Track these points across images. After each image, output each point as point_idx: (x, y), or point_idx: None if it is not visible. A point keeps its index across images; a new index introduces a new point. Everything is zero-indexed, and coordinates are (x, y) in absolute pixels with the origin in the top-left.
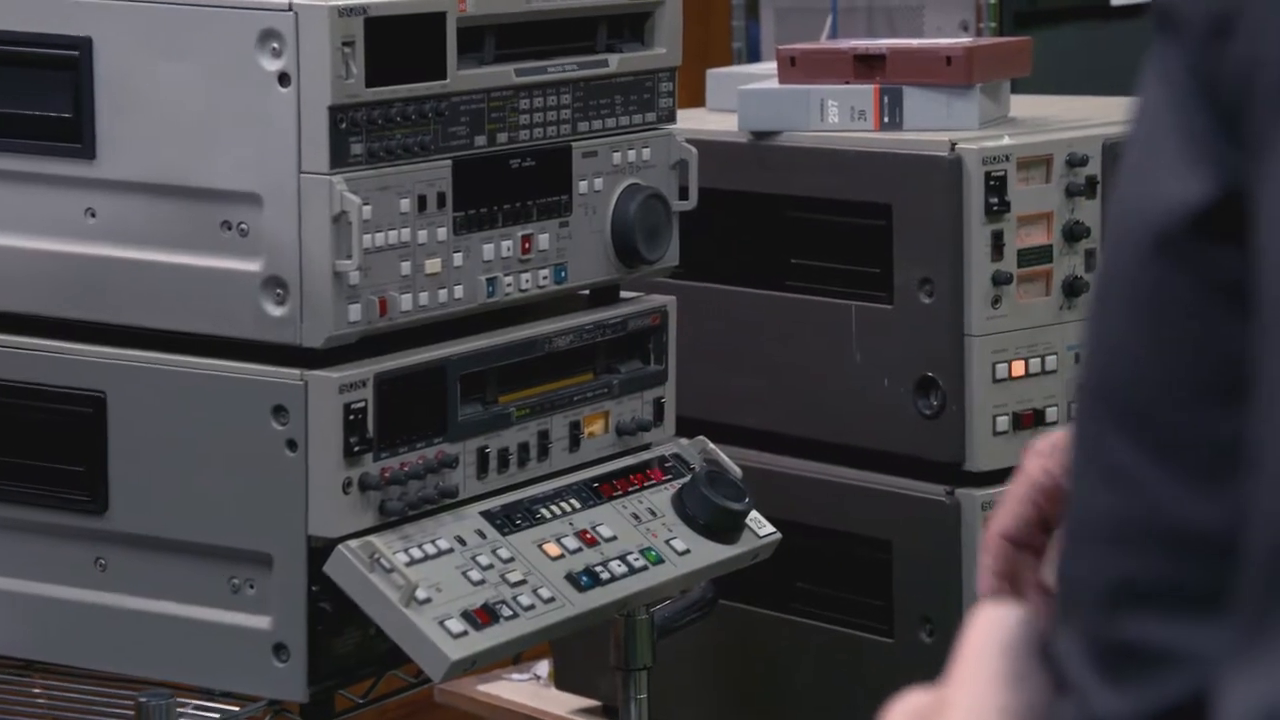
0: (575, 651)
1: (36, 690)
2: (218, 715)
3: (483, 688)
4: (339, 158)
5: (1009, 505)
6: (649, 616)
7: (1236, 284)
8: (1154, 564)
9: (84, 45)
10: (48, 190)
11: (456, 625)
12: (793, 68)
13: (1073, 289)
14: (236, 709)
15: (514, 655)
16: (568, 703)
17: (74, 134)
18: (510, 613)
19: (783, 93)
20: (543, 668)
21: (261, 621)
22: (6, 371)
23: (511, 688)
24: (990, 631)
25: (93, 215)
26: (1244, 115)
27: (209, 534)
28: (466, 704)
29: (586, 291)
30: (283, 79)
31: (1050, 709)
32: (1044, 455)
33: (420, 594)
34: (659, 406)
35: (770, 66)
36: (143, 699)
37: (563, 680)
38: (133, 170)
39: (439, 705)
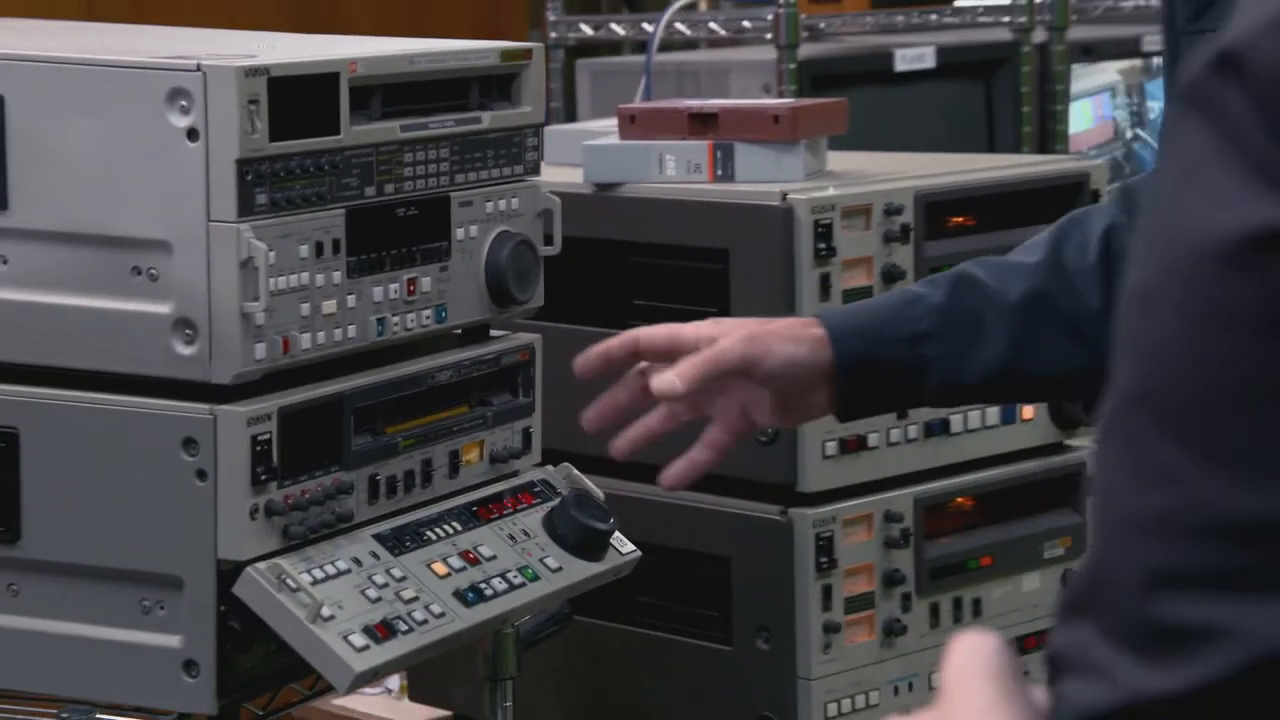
0: (427, 664)
1: None
2: None
3: (337, 701)
4: (245, 207)
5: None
6: (514, 630)
7: None
8: (1195, 551)
9: None
10: None
11: (359, 640)
12: (632, 124)
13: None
14: None
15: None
16: (421, 713)
17: None
18: (406, 627)
19: (624, 148)
20: (394, 681)
21: (172, 640)
22: None
23: (365, 701)
24: (974, 657)
25: (4, 262)
26: None
27: (121, 559)
28: (322, 718)
29: (459, 330)
30: (191, 134)
31: (1058, 692)
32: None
33: (324, 611)
34: (527, 436)
35: (606, 123)
36: (64, 715)
37: (415, 692)
38: (45, 220)
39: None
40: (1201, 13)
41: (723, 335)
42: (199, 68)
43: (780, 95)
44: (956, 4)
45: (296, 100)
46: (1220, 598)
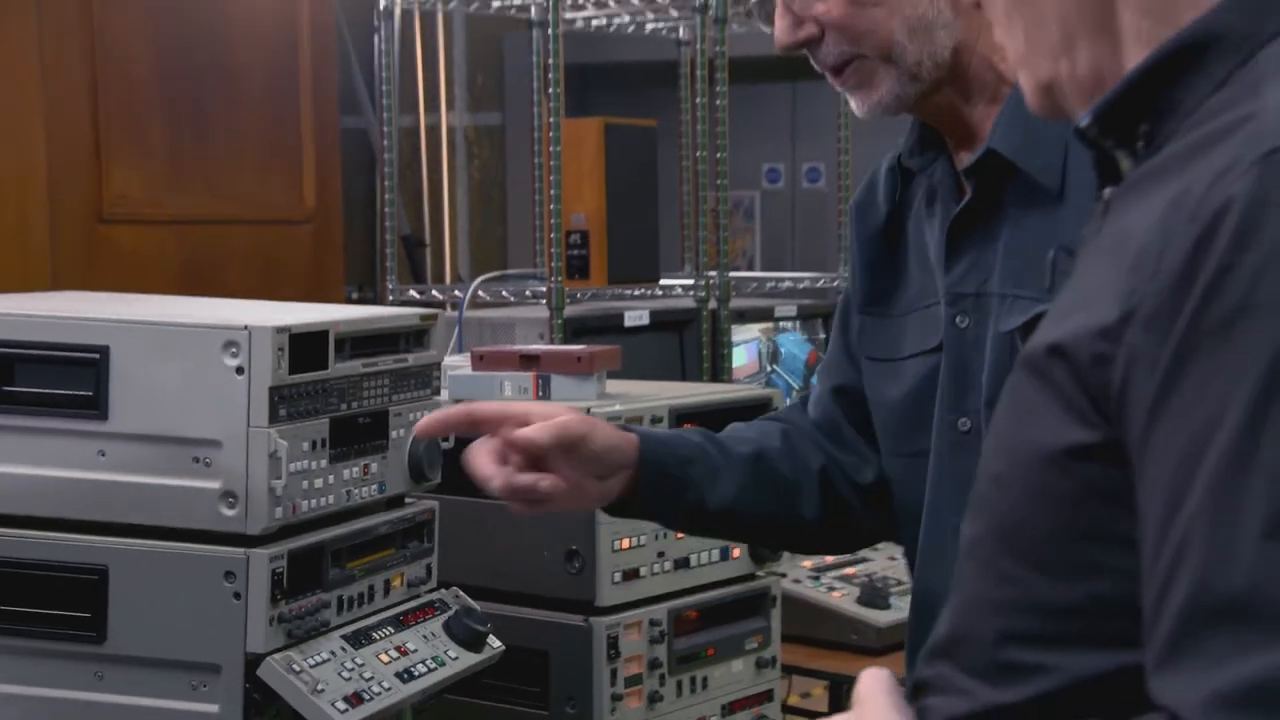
0: None
1: None
2: None
3: None
4: (273, 418)
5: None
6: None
7: (1101, 487)
8: (1028, 622)
9: (104, 350)
10: (70, 439)
11: (341, 705)
12: (481, 361)
13: None
14: None
15: None
16: None
17: (94, 404)
18: (369, 696)
19: (476, 377)
20: None
21: (212, 708)
22: (44, 553)
23: None
24: (877, 681)
25: (102, 454)
26: (1116, 405)
27: (177, 653)
28: None
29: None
30: (239, 370)
31: (924, 706)
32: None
33: (319, 687)
34: (429, 569)
35: (462, 358)
36: None
37: None
38: (134, 426)
39: None
40: (1022, 284)
41: (553, 412)
42: (246, 328)
43: (551, 342)
44: (662, 282)
45: (303, 347)
46: (1043, 648)
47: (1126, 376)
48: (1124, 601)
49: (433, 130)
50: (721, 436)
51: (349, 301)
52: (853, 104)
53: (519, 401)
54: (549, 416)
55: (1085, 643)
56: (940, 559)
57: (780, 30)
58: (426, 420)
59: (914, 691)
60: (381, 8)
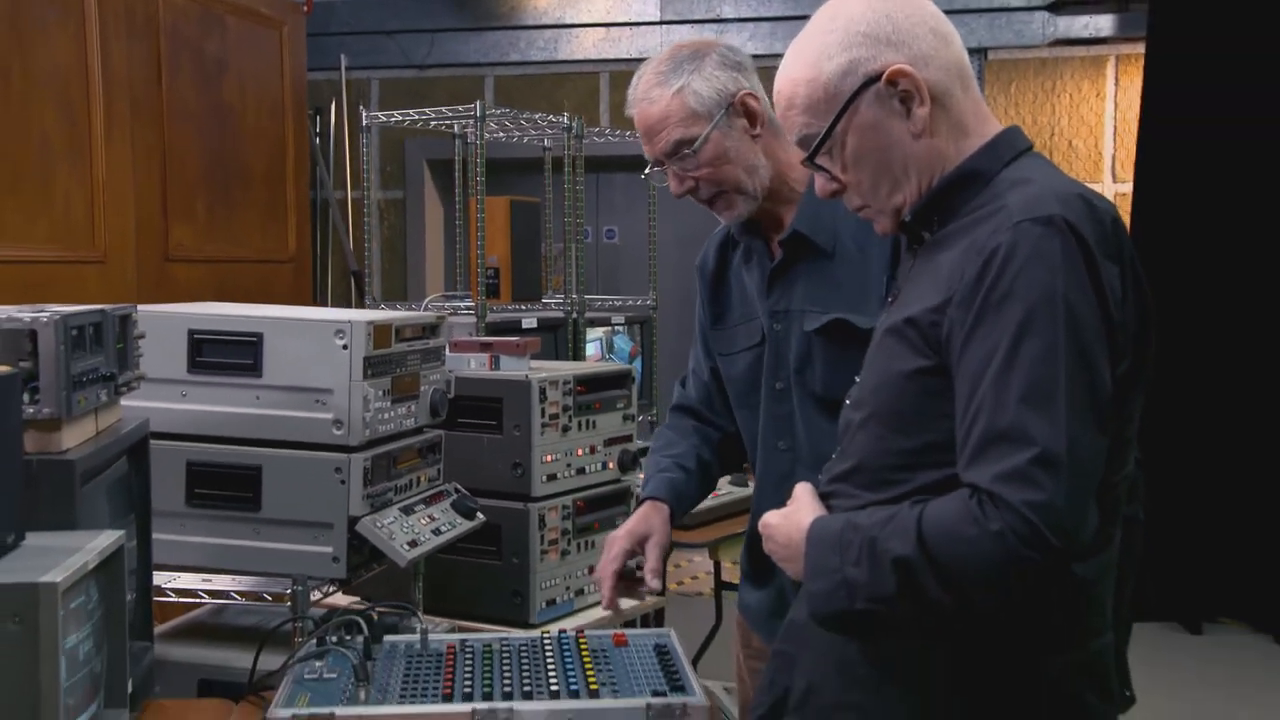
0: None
1: None
2: None
3: None
4: (366, 374)
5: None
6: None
7: (933, 388)
8: (895, 459)
9: (259, 336)
10: (239, 390)
11: (404, 547)
12: (455, 347)
13: None
14: None
15: None
16: None
17: (254, 368)
18: (419, 543)
19: (453, 356)
20: None
21: (327, 549)
22: (226, 458)
23: None
24: (805, 490)
25: (258, 399)
26: (943, 346)
27: (307, 515)
28: None
29: (419, 428)
30: (344, 346)
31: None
32: (622, 539)
33: (390, 536)
34: (439, 471)
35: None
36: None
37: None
38: (279, 380)
39: None
40: (814, 304)
41: (645, 533)
42: (349, 321)
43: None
44: (543, 300)
45: (382, 335)
46: (903, 471)
47: (949, 331)
48: (945, 445)
49: (356, 201)
50: (687, 458)
51: None
52: (720, 218)
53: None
54: (659, 545)
55: (925, 467)
56: (767, 464)
57: (673, 186)
58: (607, 597)
59: (820, 499)
60: (332, 122)
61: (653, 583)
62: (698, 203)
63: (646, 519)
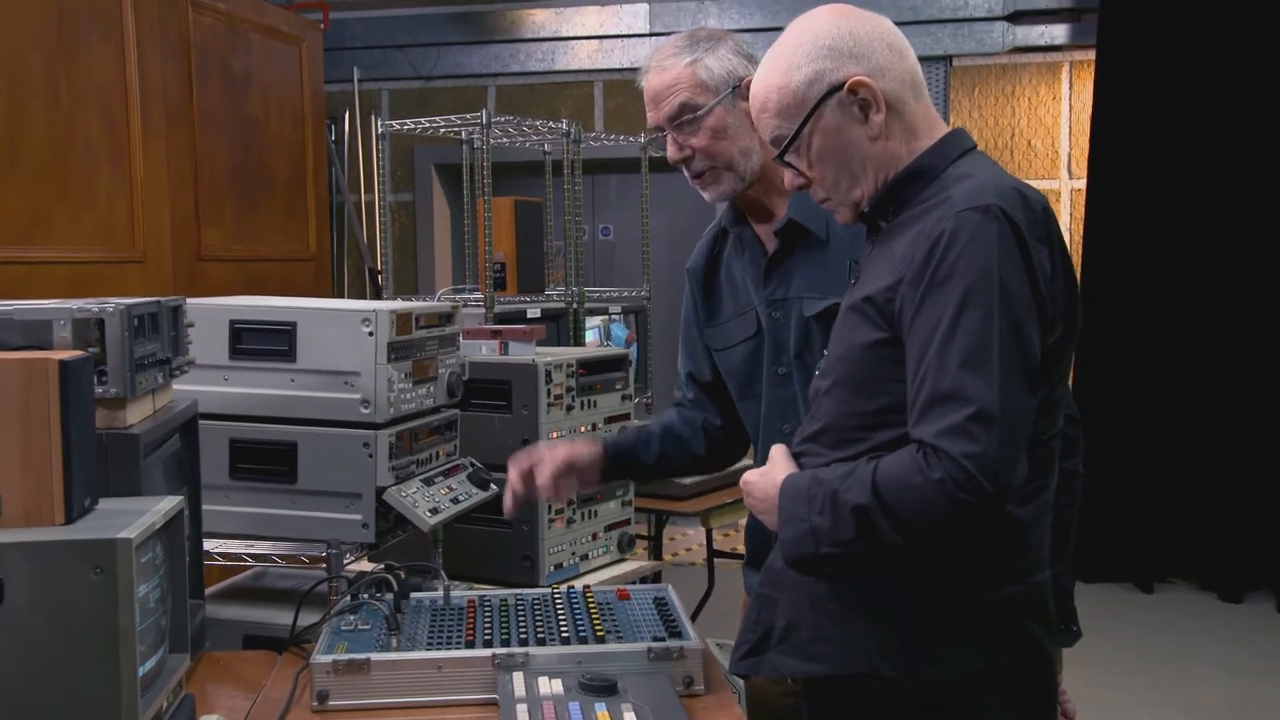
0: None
1: None
2: None
3: None
4: (390, 357)
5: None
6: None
7: (887, 356)
8: (856, 421)
9: (293, 325)
10: (275, 373)
11: (427, 515)
12: (469, 334)
13: None
14: None
15: None
16: None
17: (289, 354)
18: (440, 511)
19: (467, 343)
20: None
21: (356, 516)
22: (264, 435)
23: None
24: (781, 450)
25: (292, 381)
26: (896, 319)
27: (338, 486)
28: None
29: (437, 408)
30: (370, 333)
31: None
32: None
33: (414, 505)
34: (456, 447)
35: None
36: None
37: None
38: (310, 364)
39: None
40: (812, 290)
41: (561, 453)
42: (375, 310)
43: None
44: (546, 292)
45: (403, 321)
46: (863, 430)
47: (900, 306)
48: (899, 407)
49: (369, 204)
50: (647, 425)
51: None
52: (705, 194)
53: (539, 449)
54: (557, 459)
55: (881, 427)
56: (770, 446)
57: (670, 152)
58: (508, 504)
59: (793, 458)
60: (346, 131)
61: (542, 494)
62: (688, 176)
63: (571, 445)
